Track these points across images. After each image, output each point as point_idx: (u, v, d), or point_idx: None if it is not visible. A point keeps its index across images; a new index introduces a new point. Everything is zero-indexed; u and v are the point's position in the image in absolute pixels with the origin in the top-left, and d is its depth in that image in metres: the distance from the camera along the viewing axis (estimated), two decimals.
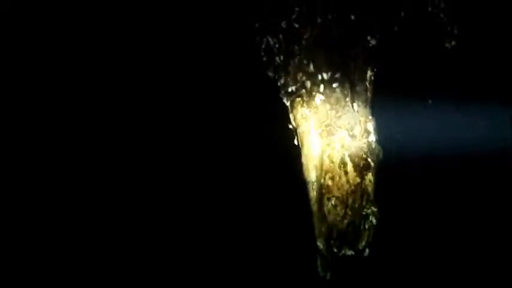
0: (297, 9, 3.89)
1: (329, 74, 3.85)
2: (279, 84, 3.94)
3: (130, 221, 4.31)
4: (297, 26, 3.91)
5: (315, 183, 3.74)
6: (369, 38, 3.94)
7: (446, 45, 4.24)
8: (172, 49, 4.39)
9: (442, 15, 4.21)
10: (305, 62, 3.88)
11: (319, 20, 3.86)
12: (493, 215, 4.32)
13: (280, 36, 3.96)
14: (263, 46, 4.12)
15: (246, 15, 4.27)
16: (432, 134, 4.24)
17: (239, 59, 4.28)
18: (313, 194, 3.75)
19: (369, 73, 3.94)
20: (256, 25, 4.16)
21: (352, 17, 3.88)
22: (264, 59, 4.14)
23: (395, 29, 4.07)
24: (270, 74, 4.11)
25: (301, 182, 3.80)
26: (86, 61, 4.40)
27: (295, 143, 3.91)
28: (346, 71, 3.87)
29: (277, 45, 3.98)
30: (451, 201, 4.31)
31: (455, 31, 4.24)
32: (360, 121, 3.85)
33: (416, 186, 4.25)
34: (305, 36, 3.89)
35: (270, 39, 4.02)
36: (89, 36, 4.39)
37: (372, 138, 3.86)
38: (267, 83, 3.99)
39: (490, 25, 4.36)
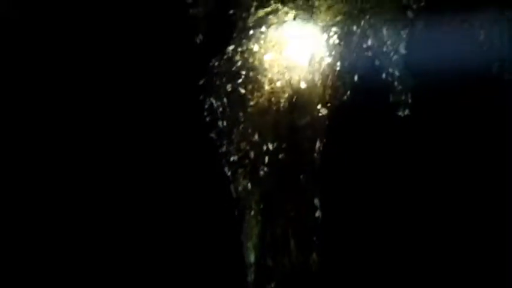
0: (243, 72, 3.64)
1: (275, 144, 3.59)
2: (220, 151, 3.65)
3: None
4: (242, 91, 3.65)
5: (254, 266, 3.44)
6: (319, 106, 3.71)
7: (399, 113, 4.06)
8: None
9: (396, 84, 4.04)
10: (250, 130, 3.61)
11: (266, 87, 3.62)
12: None
13: (225, 99, 3.69)
14: (206, 106, 3.83)
15: (189, 71, 4.01)
16: None
17: (180, 119, 3.99)
18: (251, 277, 3.44)
19: (318, 144, 3.70)
20: (200, 83, 3.88)
21: (302, 85, 3.65)
22: (207, 119, 3.85)
23: (347, 96, 3.86)
24: (213, 136, 3.82)
25: (239, 264, 3.50)
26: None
27: (235, 219, 3.63)
28: (293, 142, 3.62)
29: (220, 109, 3.70)
30: None
31: (409, 100, 4.07)
32: (306, 195, 3.60)
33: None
34: (251, 103, 3.63)
35: (213, 101, 3.74)
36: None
37: (319, 214, 3.61)
38: (207, 148, 3.70)
39: None
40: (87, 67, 4.30)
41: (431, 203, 4.18)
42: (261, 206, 3.52)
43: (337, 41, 3.75)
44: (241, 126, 3.62)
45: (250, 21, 3.84)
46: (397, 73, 3.99)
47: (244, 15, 3.91)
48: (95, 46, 4.31)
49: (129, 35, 4.50)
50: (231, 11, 4.05)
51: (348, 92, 3.85)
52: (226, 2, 4.18)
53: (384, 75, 3.99)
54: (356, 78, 3.93)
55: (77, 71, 4.29)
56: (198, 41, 4.25)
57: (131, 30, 4.49)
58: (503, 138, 4.12)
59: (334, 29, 3.74)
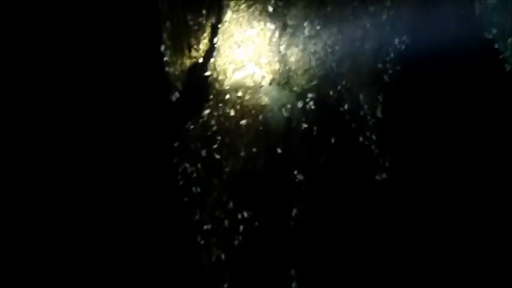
0: (219, 138, 3.56)
1: (250, 212, 3.48)
2: (193, 219, 3.52)
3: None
4: (218, 156, 3.56)
5: None
6: (295, 172, 3.64)
7: (377, 177, 4.01)
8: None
9: (373, 147, 4.00)
10: (224, 197, 3.50)
11: (242, 153, 3.54)
12: None
13: (199, 165, 3.59)
14: (180, 170, 3.71)
15: (164, 132, 3.92)
16: None
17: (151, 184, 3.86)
18: None
19: (295, 210, 3.61)
20: (175, 145, 3.78)
21: (279, 150, 3.58)
22: (181, 182, 3.73)
23: (324, 161, 3.79)
24: (186, 200, 3.69)
25: None
26: None
27: None
28: (269, 209, 3.52)
29: (194, 175, 3.59)
30: None
31: (387, 163, 4.03)
32: (283, 266, 3.47)
33: None
34: (226, 169, 3.54)
35: (187, 166, 3.63)
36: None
37: (295, 285, 3.47)
38: (180, 215, 3.56)
39: None
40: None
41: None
42: (236, 279, 3.37)
43: (313, 106, 3.73)
44: (215, 193, 3.52)
45: (227, 84, 3.80)
46: (374, 137, 3.97)
47: (220, 78, 3.87)
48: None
49: (105, 88, 4.42)
50: (207, 73, 4.02)
51: (325, 157, 3.79)
52: (202, 63, 4.15)
53: (361, 139, 3.96)
54: (333, 141, 3.89)
55: None
56: (173, 99, 4.19)
57: (107, 84, 4.42)
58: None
59: (310, 94, 3.72)
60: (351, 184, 3.93)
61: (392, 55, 4.03)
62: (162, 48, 4.28)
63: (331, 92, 3.82)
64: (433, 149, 4.08)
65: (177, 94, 4.22)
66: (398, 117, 4.07)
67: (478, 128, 4.14)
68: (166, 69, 4.27)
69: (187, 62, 4.28)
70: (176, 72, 4.27)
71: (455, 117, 4.12)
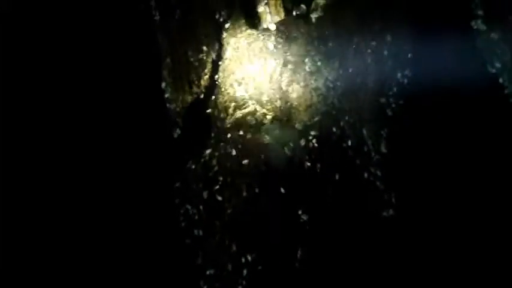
0: (220, 178, 3.48)
1: (254, 255, 3.38)
2: (195, 263, 3.42)
3: None
4: (220, 198, 3.48)
5: None
6: (300, 212, 3.55)
7: (384, 214, 3.92)
8: None
9: (378, 183, 3.92)
10: (227, 241, 3.41)
11: (244, 194, 3.46)
12: None
13: (201, 207, 3.51)
14: (181, 211, 3.64)
15: (165, 170, 3.87)
16: None
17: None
18: None
19: (299, 252, 3.51)
20: (176, 185, 3.71)
21: (282, 190, 3.50)
22: (183, 224, 3.65)
23: (328, 198, 3.71)
24: (188, 242, 3.60)
25: None
26: None
27: None
28: (274, 252, 3.43)
29: (196, 217, 3.51)
30: None
31: (393, 199, 3.94)
32: None
33: None
34: (228, 211, 3.46)
35: (189, 207, 3.55)
36: None
37: None
38: (181, 259, 3.47)
39: None
40: None
41: None
42: None
43: (316, 143, 3.65)
44: (218, 236, 3.42)
45: (228, 122, 3.74)
46: (379, 172, 3.90)
47: (222, 115, 3.82)
48: None
49: (105, 125, 4.39)
50: (208, 110, 3.97)
51: (330, 195, 3.71)
52: (203, 100, 4.12)
53: (365, 175, 3.88)
54: (337, 179, 3.82)
55: None
56: (175, 135, 4.15)
57: (107, 121, 4.39)
58: None
59: (312, 131, 3.66)
60: (357, 222, 3.84)
61: (394, 89, 3.97)
62: (163, 85, 4.25)
63: (334, 128, 3.76)
64: (439, 183, 4.00)
65: (178, 131, 4.18)
66: (403, 152, 4.00)
67: (483, 161, 4.07)
68: (168, 105, 4.25)
69: (189, 99, 4.24)
70: (177, 109, 4.23)
71: (460, 150, 4.05)
